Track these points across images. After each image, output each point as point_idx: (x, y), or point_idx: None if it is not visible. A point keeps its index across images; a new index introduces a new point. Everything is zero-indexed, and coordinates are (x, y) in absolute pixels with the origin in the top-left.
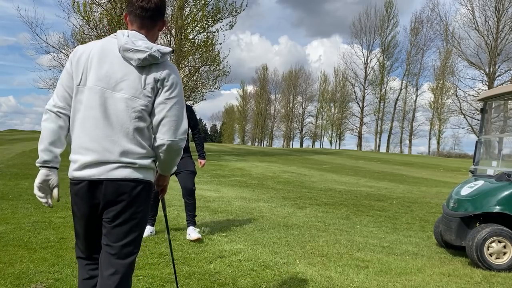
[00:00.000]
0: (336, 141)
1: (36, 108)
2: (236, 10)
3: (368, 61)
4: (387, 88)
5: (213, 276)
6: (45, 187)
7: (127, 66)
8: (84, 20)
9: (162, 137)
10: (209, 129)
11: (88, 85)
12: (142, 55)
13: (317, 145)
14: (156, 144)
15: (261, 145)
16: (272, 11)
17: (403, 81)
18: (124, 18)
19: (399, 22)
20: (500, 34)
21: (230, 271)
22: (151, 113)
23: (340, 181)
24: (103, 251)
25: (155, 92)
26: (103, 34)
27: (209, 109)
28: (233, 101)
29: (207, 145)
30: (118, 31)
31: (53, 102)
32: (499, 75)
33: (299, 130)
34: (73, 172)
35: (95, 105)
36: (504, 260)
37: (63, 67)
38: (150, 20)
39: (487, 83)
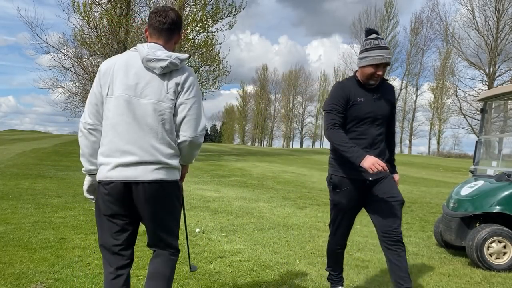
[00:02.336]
0: None
1: (36, 108)
2: (235, 9)
3: None
4: None
5: (213, 276)
6: (92, 189)
7: (150, 74)
8: (84, 20)
9: (184, 134)
10: (209, 129)
11: (116, 94)
12: (164, 63)
13: (317, 145)
14: (179, 140)
15: (261, 145)
16: (272, 11)
17: (403, 81)
18: (145, 32)
19: (399, 22)
20: (500, 34)
21: (230, 271)
22: (175, 113)
23: None
24: (154, 242)
25: (177, 94)
26: (103, 34)
27: (209, 109)
28: (233, 101)
29: (207, 145)
30: (138, 44)
31: (84, 120)
32: (499, 75)
33: (299, 130)
34: (107, 173)
35: (125, 112)
36: (504, 260)
37: (63, 67)
38: (167, 32)
39: (487, 83)
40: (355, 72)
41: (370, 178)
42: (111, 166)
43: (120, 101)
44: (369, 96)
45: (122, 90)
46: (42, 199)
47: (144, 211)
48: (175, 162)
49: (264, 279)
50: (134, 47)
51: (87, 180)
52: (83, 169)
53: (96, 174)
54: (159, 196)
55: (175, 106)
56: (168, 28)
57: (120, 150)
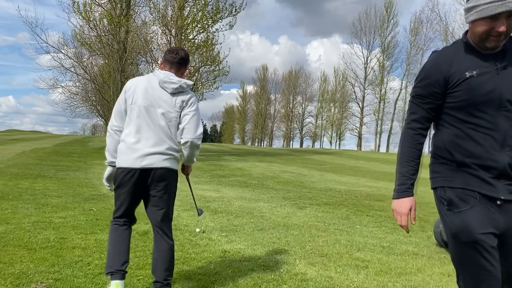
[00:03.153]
0: (336, 141)
1: (36, 108)
2: (235, 9)
3: (368, 61)
4: (387, 88)
5: (213, 276)
6: (111, 178)
7: (164, 92)
8: (84, 20)
9: (186, 136)
10: (209, 129)
11: (138, 103)
12: (175, 86)
13: (317, 145)
14: (182, 141)
15: (261, 145)
16: (271, 10)
17: (403, 81)
18: (160, 65)
19: (399, 22)
20: None
21: (230, 271)
22: (179, 122)
23: (340, 181)
24: (156, 219)
25: (182, 108)
26: (103, 34)
27: (209, 109)
28: (233, 101)
29: (207, 145)
30: (156, 71)
31: (111, 123)
32: None
33: (299, 130)
34: (129, 162)
35: (145, 116)
36: None
37: (63, 67)
38: (177, 65)
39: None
40: (465, 32)
41: (502, 197)
42: (134, 156)
43: (141, 109)
44: (488, 67)
45: (143, 101)
46: (42, 199)
47: (155, 191)
48: (178, 154)
49: (264, 279)
50: (153, 73)
51: (108, 170)
52: (106, 161)
53: (115, 166)
54: (167, 179)
55: (180, 116)
56: (178, 62)
57: (138, 142)
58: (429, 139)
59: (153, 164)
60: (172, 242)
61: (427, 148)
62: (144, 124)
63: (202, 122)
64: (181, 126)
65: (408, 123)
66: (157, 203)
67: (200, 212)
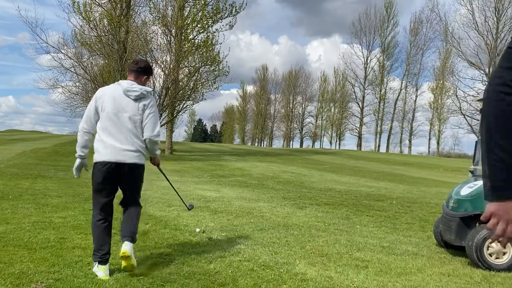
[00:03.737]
0: (336, 141)
1: (36, 108)
2: (235, 10)
3: (368, 61)
4: (387, 88)
5: (213, 276)
6: (79, 168)
7: (128, 99)
8: (84, 21)
9: (145, 134)
10: (209, 129)
11: (107, 110)
12: (137, 93)
13: (317, 145)
14: (143, 138)
15: (261, 145)
16: (271, 10)
17: (403, 81)
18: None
19: (399, 22)
20: (500, 34)
21: (230, 271)
22: (142, 122)
23: (340, 181)
24: (127, 200)
25: (143, 111)
26: (103, 34)
27: (209, 109)
28: (233, 101)
29: (207, 145)
30: (120, 81)
31: (81, 125)
32: None
33: (299, 130)
34: (104, 157)
35: (115, 120)
36: (503, 260)
37: (63, 67)
38: (136, 73)
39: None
40: None
41: None
42: (107, 152)
43: (110, 114)
44: None
45: (112, 108)
46: (42, 199)
47: (126, 181)
48: (145, 152)
49: (264, 279)
50: (117, 82)
51: (78, 162)
52: (77, 154)
53: (85, 158)
54: (136, 172)
55: (142, 118)
56: (136, 70)
57: (113, 142)
58: (429, 138)
59: (125, 160)
60: (139, 207)
61: (426, 148)
62: (115, 127)
63: (200, 120)
64: (143, 125)
65: (496, 86)
66: (129, 189)
67: (189, 207)
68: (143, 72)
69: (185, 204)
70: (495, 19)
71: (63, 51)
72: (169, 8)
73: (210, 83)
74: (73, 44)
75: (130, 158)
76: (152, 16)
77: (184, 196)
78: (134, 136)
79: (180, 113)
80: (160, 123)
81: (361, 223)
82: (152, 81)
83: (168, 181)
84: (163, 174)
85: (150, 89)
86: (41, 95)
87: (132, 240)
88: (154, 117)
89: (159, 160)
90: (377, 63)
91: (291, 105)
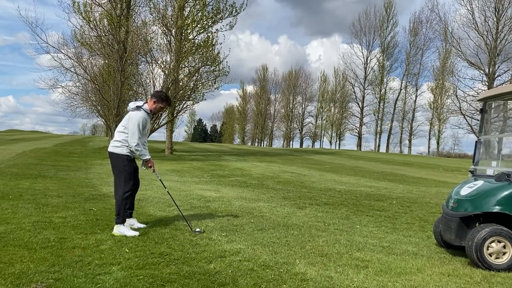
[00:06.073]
0: (336, 141)
1: (35, 108)
2: (235, 10)
3: (368, 61)
4: (386, 88)
5: (213, 276)
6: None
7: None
8: (84, 21)
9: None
10: (209, 129)
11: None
12: (128, 108)
13: (317, 145)
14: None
15: (261, 145)
16: (271, 10)
17: (403, 81)
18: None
19: (399, 22)
20: (500, 34)
21: (230, 271)
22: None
23: (340, 181)
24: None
25: (127, 122)
26: (103, 34)
27: (209, 109)
28: (233, 101)
29: (207, 145)
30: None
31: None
32: (499, 75)
33: (299, 130)
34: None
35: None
36: (503, 260)
37: (63, 67)
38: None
39: (487, 83)
40: None
41: None
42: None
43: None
44: None
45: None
46: (42, 199)
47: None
48: (124, 145)
49: (264, 279)
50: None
51: (151, 160)
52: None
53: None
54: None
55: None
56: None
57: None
58: (429, 138)
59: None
60: (121, 193)
61: (426, 148)
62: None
63: (200, 120)
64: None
65: None
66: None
67: (196, 232)
68: (151, 97)
69: (190, 227)
70: (495, 19)
71: (63, 51)
72: (169, 8)
73: (210, 83)
74: (73, 44)
75: (110, 147)
76: (152, 16)
77: (184, 196)
78: (119, 135)
79: (180, 113)
80: (160, 123)
81: (361, 223)
82: (152, 81)
83: (163, 185)
84: (158, 178)
85: (134, 105)
86: (41, 95)
87: (116, 220)
88: (131, 129)
89: (152, 162)
90: (377, 63)
91: (291, 105)
